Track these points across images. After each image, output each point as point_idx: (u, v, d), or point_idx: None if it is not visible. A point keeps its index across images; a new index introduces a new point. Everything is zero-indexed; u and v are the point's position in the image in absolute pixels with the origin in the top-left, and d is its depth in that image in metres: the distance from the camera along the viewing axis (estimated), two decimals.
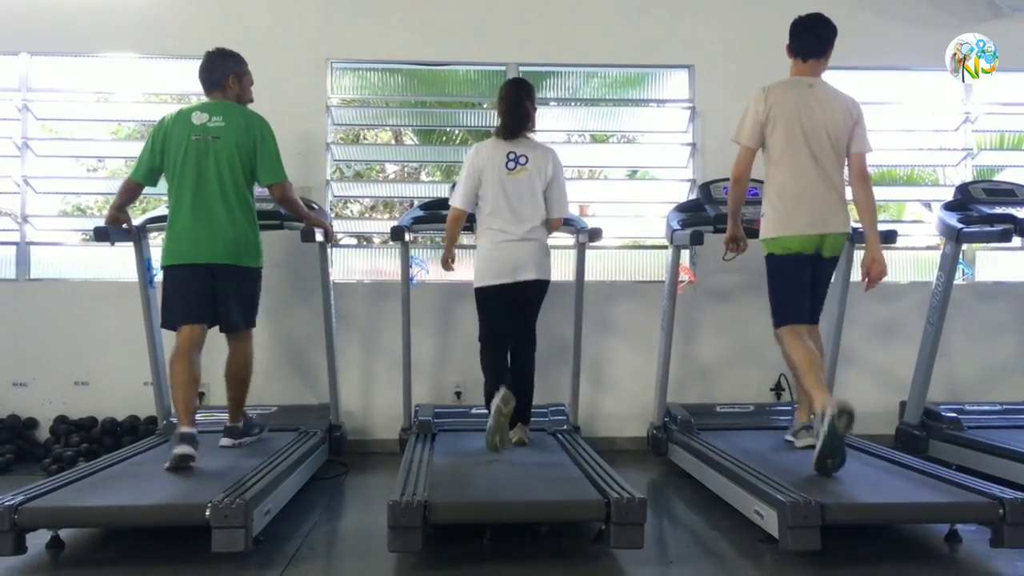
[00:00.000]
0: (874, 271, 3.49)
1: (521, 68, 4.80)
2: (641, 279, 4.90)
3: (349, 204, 7.05)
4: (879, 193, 4.88)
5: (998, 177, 5.00)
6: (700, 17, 4.86)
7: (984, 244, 4.80)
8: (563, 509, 2.89)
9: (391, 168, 6.86)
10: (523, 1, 4.84)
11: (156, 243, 4.24)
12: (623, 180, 5.68)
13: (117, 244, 3.91)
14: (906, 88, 5.00)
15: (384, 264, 4.87)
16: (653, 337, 4.42)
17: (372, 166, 6.51)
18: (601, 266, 4.88)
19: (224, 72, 3.61)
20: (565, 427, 4.18)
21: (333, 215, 4.80)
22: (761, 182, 3.64)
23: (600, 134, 6.13)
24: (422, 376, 4.59)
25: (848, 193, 3.53)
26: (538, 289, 3.75)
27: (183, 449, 3.24)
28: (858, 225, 3.60)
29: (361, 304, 4.73)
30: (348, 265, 4.89)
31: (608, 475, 3.08)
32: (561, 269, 4.48)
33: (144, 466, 3.38)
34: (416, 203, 4.68)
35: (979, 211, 4.22)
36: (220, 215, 3.47)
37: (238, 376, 3.68)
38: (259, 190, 3.69)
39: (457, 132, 6.07)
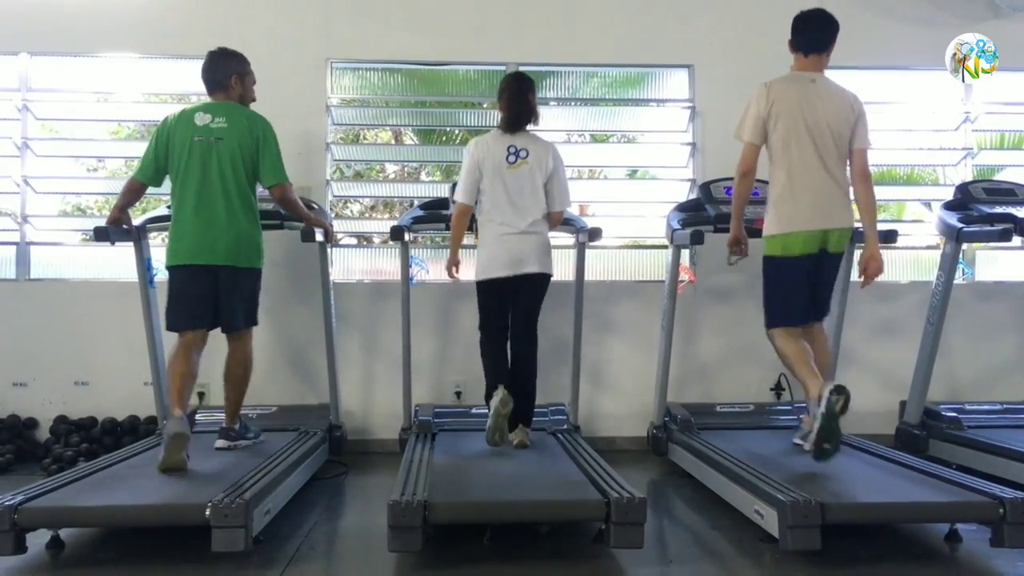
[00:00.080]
0: (872, 268, 3.50)
1: (521, 68, 4.79)
2: (641, 279, 4.90)
3: (349, 204, 7.06)
4: (879, 193, 4.88)
5: (998, 177, 5.01)
6: (700, 17, 4.86)
7: (984, 244, 4.80)
8: (563, 509, 2.89)
9: (391, 168, 6.86)
10: (523, 1, 4.84)
11: (156, 243, 4.25)
12: (623, 180, 5.68)
13: (117, 244, 3.91)
14: (906, 87, 5.00)
15: (384, 264, 4.87)
16: (653, 337, 4.42)
17: (372, 166, 6.51)
18: (601, 266, 4.88)
19: (227, 72, 3.61)
20: (565, 427, 4.18)
21: (333, 215, 4.80)
22: (765, 182, 3.64)
23: (600, 134, 6.13)
24: (422, 376, 4.59)
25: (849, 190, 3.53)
26: (539, 283, 3.74)
27: (176, 427, 3.21)
28: (857, 224, 3.59)
29: (361, 304, 4.73)
30: (348, 265, 4.90)
31: (608, 475, 3.08)
32: (561, 269, 4.47)
33: (144, 466, 3.37)
34: (416, 203, 4.68)
35: (979, 211, 4.22)
36: (223, 216, 3.48)
37: (237, 377, 3.67)
38: (260, 190, 3.69)
39: (457, 132, 6.06)
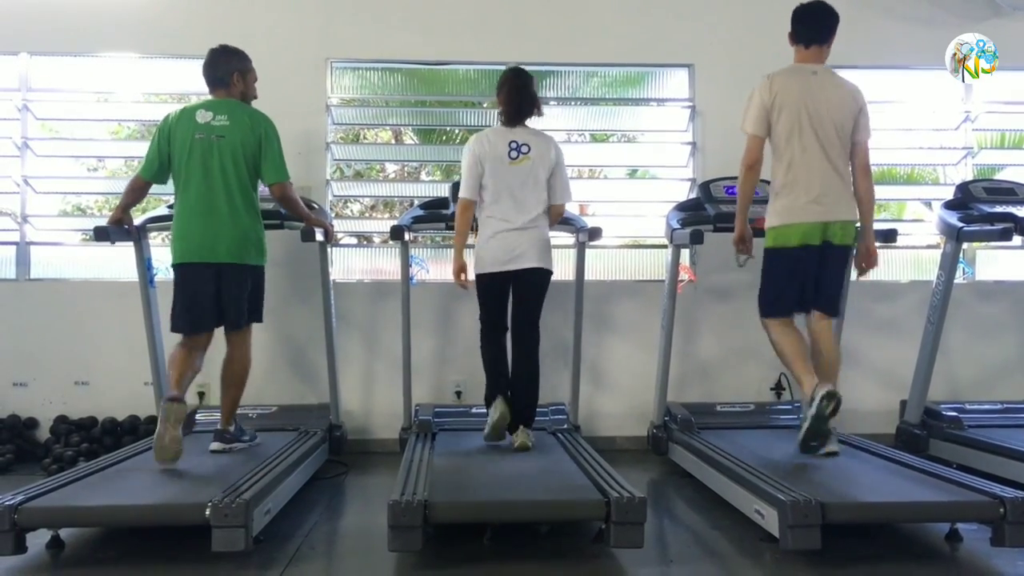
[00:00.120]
0: (868, 262, 3.53)
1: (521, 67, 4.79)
2: (641, 278, 4.90)
3: (349, 204, 7.06)
4: (880, 192, 4.88)
5: (998, 176, 5.01)
6: (700, 16, 4.86)
7: (984, 243, 4.80)
8: (563, 508, 2.89)
9: (391, 168, 6.86)
10: (523, 0, 4.84)
11: (156, 243, 4.26)
12: (623, 179, 5.68)
13: (117, 244, 3.92)
14: (906, 87, 5.00)
15: (384, 264, 4.87)
16: (653, 336, 4.42)
17: (372, 165, 6.51)
18: (601, 265, 4.88)
19: (228, 69, 3.60)
20: (565, 426, 4.18)
21: (333, 215, 4.80)
22: (766, 182, 3.64)
23: (600, 133, 6.13)
24: (422, 375, 4.59)
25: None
26: (539, 278, 3.70)
27: (171, 394, 3.30)
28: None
29: (361, 304, 4.73)
30: (348, 265, 4.90)
31: (608, 474, 3.07)
32: (561, 268, 4.47)
33: (144, 466, 3.37)
34: (416, 202, 4.68)
35: (979, 210, 4.22)
36: (225, 214, 3.48)
37: (235, 377, 3.66)
38: (261, 190, 3.69)
39: (457, 131, 6.06)
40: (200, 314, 3.51)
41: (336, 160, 4.95)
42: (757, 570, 2.85)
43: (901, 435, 4.33)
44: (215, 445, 3.61)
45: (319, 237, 3.96)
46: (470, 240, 3.84)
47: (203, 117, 3.52)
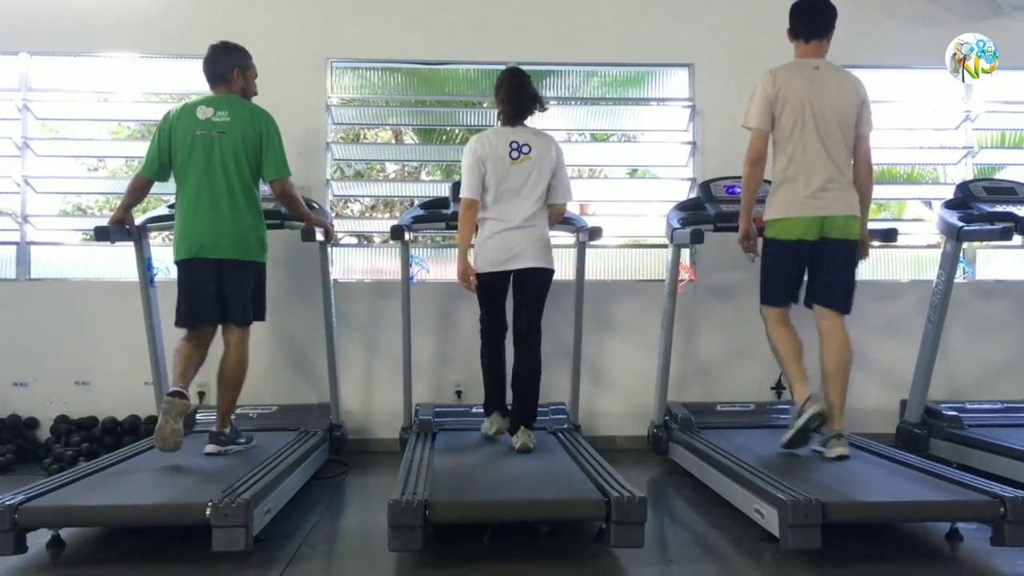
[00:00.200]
0: (859, 254, 3.54)
1: (521, 67, 4.78)
2: (641, 278, 4.90)
3: (349, 203, 7.06)
4: (880, 191, 4.90)
5: (999, 175, 5.00)
6: (700, 16, 4.85)
7: (985, 242, 4.79)
8: (563, 508, 2.89)
9: (391, 167, 6.86)
10: (523, 0, 4.84)
11: (156, 243, 4.26)
12: (623, 179, 5.67)
13: (117, 244, 3.91)
14: (906, 86, 4.99)
15: (384, 263, 4.87)
16: (653, 336, 4.42)
17: (372, 165, 6.51)
18: (601, 265, 4.87)
19: (229, 66, 3.60)
20: (565, 426, 4.17)
21: (333, 214, 4.80)
22: (767, 182, 3.63)
23: (600, 133, 6.13)
24: (422, 375, 4.59)
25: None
26: (539, 278, 3.67)
27: (174, 388, 3.37)
28: None
29: (361, 303, 4.73)
30: (348, 264, 4.90)
31: (608, 474, 3.07)
32: (561, 268, 4.47)
33: (145, 465, 3.38)
34: (416, 202, 4.67)
35: (980, 209, 4.22)
36: (226, 210, 3.48)
37: (232, 377, 3.61)
38: (263, 190, 3.69)
39: (457, 131, 6.06)
40: (203, 309, 3.53)
41: (336, 160, 4.95)
42: (757, 569, 2.85)
43: (901, 434, 4.33)
44: (210, 448, 3.56)
45: (319, 237, 3.96)
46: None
47: (204, 113, 3.52)
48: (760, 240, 3.68)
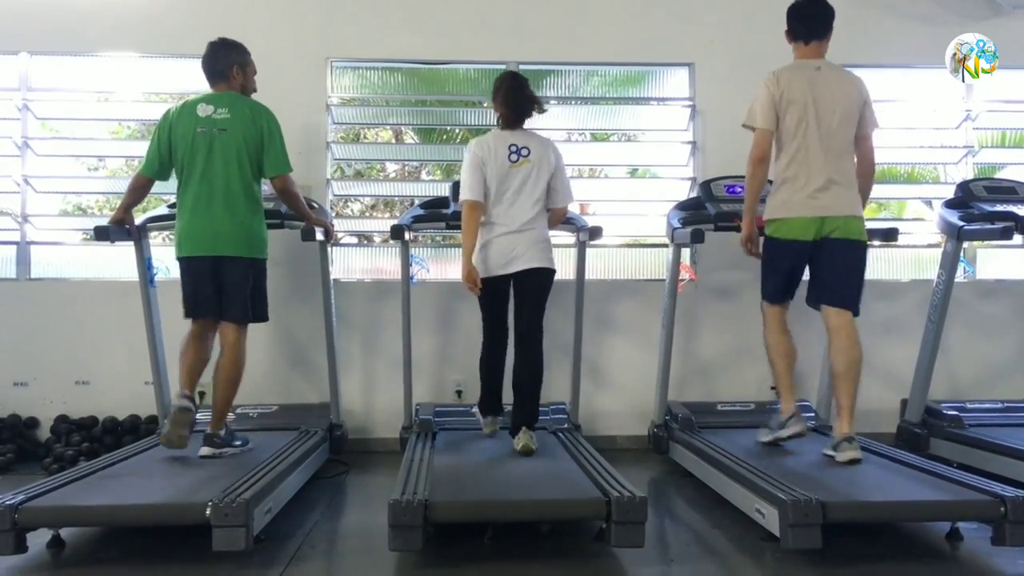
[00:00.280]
0: None
1: (521, 66, 4.79)
2: (642, 277, 4.90)
3: (349, 203, 7.06)
4: (880, 191, 4.90)
5: (999, 175, 5.00)
6: (700, 15, 4.85)
7: (985, 242, 4.79)
8: (564, 507, 2.89)
9: (391, 167, 6.87)
10: (523, 0, 4.83)
11: (156, 242, 4.26)
12: (623, 178, 5.68)
13: (117, 243, 3.91)
14: (907, 86, 5.00)
15: (384, 263, 4.87)
16: (654, 335, 4.42)
17: (372, 165, 6.52)
18: (602, 264, 4.87)
19: (228, 63, 3.60)
20: (566, 425, 4.17)
21: (334, 214, 4.80)
22: (771, 182, 3.63)
23: (600, 132, 6.13)
24: (423, 375, 4.59)
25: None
26: (540, 278, 3.66)
27: (181, 403, 3.45)
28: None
29: (362, 303, 4.73)
30: (349, 264, 4.89)
31: (609, 473, 3.07)
32: (562, 268, 4.47)
33: (145, 465, 3.39)
34: (416, 202, 4.67)
35: (980, 209, 4.22)
36: (225, 206, 3.48)
37: (228, 376, 3.57)
38: (264, 190, 3.69)
39: (457, 131, 6.07)
40: (204, 302, 3.55)
41: (336, 159, 4.95)
42: (758, 569, 2.85)
43: (902, 434, 4.33)
44: (204, 450, 3.49)
45: (319, 236, 3.96)
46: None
47: (204, 111, 3.52)
48: (761, 239, 3.68)
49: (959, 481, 3.03)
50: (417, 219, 4.23)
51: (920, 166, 5.76)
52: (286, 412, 4.37)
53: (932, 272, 4.39)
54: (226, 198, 3.48)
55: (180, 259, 3.58)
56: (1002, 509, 2.73)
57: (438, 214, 4.21)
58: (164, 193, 4.07)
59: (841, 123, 3.42)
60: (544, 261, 3.66)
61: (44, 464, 4.15)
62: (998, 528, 2.76)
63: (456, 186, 3.94)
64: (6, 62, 4.71)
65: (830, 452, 3.41)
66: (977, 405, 4.47)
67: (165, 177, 3.64)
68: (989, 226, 4.07)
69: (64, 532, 2.93)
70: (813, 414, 4.33)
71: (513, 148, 3.65)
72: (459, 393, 4.66)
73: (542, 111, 3.76)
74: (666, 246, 4.35)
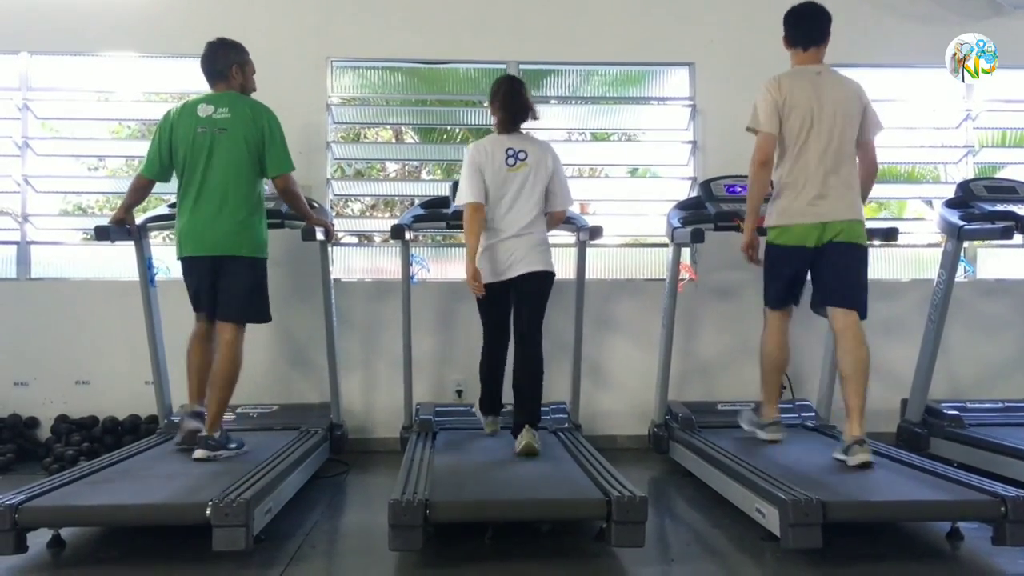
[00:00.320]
0: None
1: (521, 66, 4.80)
2: (642, 277, 4.90)
3: (350, 203, 7.06)
4: (880, 190, 4.89)
5: (999, 174, 5.00)
6: (700, 15, 4.85)
7: (986, 241, 4.79)
8: (564, 507, 2.89)
9: (392, 167, 6.87)
10: (523, 0, 4.83)
11: (156, 242, 4.26)
12: (624, 178, 5.68)
13: (117, 243, 3.91)
14: (907, 85, 5.00)
15: (385, 263, 4.87)
16: (654, 335, 4.42)
17: (373, 164, 6.52)
18: (602, 264, 4.87)
19: (227, 62, 3.60)
20: (566, 425, 4.17)
21: (334, 214, 4.80)
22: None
23: (601, 132, 6.13)
24: (423, 374, 4.59)
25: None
26: (539, 282, 3.65)
27: (191, 424, 3.53)
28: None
29: (362, 303, 4.73)
30: (349, 264, 4.89)
31: (609, 473, 3.07)
32: (562, 267, 4.47)
33: (145, 465, 3.39)
34: (417, 201, 4.68)
35: (980, 208, 4.21)
36: (224, 206, 3.48)
37: (224, 376, 3.50)
38: (265, 190, 3.69)
39: (458, 130, 6.07)
40: (206, 302, 3.57)
41: (337, 159, 4.95)
42: (758, 569, 2.85)
43: (902, 434, 4.33)
44: (199, 453, 3.41)
45: (320, 236, 3.96)
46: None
47: (205, 111, 3.52)
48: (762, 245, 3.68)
49: (959, 481, 3.03)
50: (417, 219, 4.23)
51: (920, 166, 5.76)
52: (286, 412, 4.37)
53: (932, 272, 4.39)
54: (226, 198, 3.48)
55: (181, 259, 3.58)
56: (1002, 509, 2.73)
57: (438, 214, 4.21)
58: (164, 193, 4.07)
59: (843, 128, 3.42)
60: (543, 264, 3.65)
61: (44, 464, 4.15)
62: (998, 528, 2.76)
63: (456, 185, 3.93)
64: (6, 62, 4.71)
65: (841, 456, 3.34)
66: (977, 405, 4.47)
67: (166, 178, 3.64)
68: (989, 226, 4.07)
69: (64, 532, 2.93)
70: (813, 414, 4.34)
71: (510, 152, 3.64)
72: (459, 393, 4.66)
73: (535, 118, 3.76)
74: (666, 246, 4.35)
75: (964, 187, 4.40)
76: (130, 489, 3.00)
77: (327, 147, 4.78)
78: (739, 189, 4.14)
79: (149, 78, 4.83)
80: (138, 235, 3.93)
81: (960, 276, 4.54)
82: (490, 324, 3.76)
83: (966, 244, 4.52)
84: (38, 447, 4.48)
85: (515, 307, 3.71)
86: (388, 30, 4.77)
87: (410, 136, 7.22)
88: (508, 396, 3.78)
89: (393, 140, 7.60)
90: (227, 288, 3.52)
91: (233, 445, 3.56)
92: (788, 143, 3.45)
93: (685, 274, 4.56)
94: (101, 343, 4.61)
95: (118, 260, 4.56)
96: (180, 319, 3.81)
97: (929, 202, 5.34)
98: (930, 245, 4.97)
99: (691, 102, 4.89)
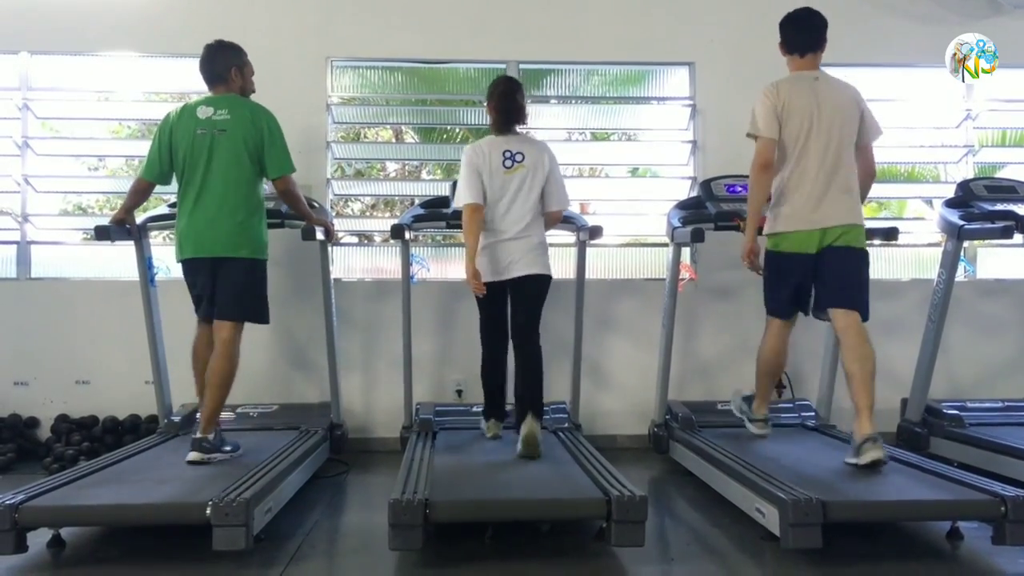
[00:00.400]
0: None
1: (521, 66, 4.80)
2: (642, 277, 4.90)
3: (350, 202, 7.06)
4: (880, 190, 4.89)
5: (999, 174, 5.00)
6: (700, 14, 4.86)
7: (985, 241, 4.79)
8: (564, 507, 2.89)
9: (392, 166, 6.87)
10: (523, 0, 4.83)
11: (156, 242, 4.26)
12: (624, 178, 5.68)
13: (117, 243, 3.91)
14: (907, 85, 5.00)
15: (385, 262, 4.87)
16: (654, 335, 4.42)
17: (373, 164, 6.52)
18: (602, 264, 4.87)
19: (226, 65, 3.59)
20: (566, 425, 4.17)
21: (334, 213, 4.80)
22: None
23: (601, 132, 6.12)
24: (423, 374, 4.59)
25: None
26: (535, 285, 3.66)
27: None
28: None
29: (362, 302, 4.73)
30: (349, 263, 4.89)
31: (609, 473, 3.07)
32: (562, 267, 4.47)
33: (145, 465, 3.39)
34: (417, 201, 4.68)
35: (980, 208, 4.21)
36: (225, 208, 3.47)
37: (220, 376, 3.45)
38: (265, 190, 3.69)
39: (458, 130, 6.07)
40: (207, 304, 3.56)
41: (337, 159, 4.95)
42: (758, 569, 2.85)
43: (902, 433, 4.33)
44: (192, 455, 3.36)
45: (320, 236, 3.96)
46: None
47: (204, 113, 3.52)
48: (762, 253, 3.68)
49: (959, 480, 3.03)
50: (417, 218, 4.23)
51: (920, 165, 5.76)
52: (286, 411, 4.37)
53: (932, 271, 4.39)
54: (226, 199, 3.48)
55: (181, 262, 3.57)
56: (1002, 508, 2.73)
57: (438, 213, 4.21)
58: (165, 192, 4.07)
59: (842, 133, 3.41)
60: (540, 267, 3.66)
61: (44, 464, 4.15)
62: (998, 527, 2.76)
63: (456, 186, 3.93)
64: (6, 62, 4.71)
65: (852, 460, 3.26)
66: (977, 404, 4.46)
67: (166, 181, 3.63)
68: (989, 225, 4.07)
69: (64, 532, 2.93)
70: (813, 413, 4.34)
71: (507, 154, 3.65)
72: (459, 393, 4.66)
73: (523, 122, 3.76)
74: (666, 245, 4.35)
75: (964, 187, 4.40)
76: (130, 489, 3.00)
77: (327, 147, 4.78)
78: (739, 189, 4.14)
79: (149, 78, 4.83)
80: (138, 235, 3.93)
81: (960, 276, 4.55)
82: (488, 321, 3.76)
83: (966, 244, 4.52)
84: (38, 447, 4.48)
85: (512, 309, 3.72)
86: (388, 30, 4.77)
87: (410, 136, 7.22)
88: (508, 397, 3.78)
89: (393, 140, 7.59)
90: (225, 287, 3.51)
91: (228, 448, 3.51)
92: (787, 149, 3.45)
93: (685, 274, 4.57)
94: (101, 343, 4.61)
95: (118, 260, 4.56)
96: (180, 319, 3.81)
97: (929, 202, 5.34)
98: (930, 245, 4.97)
99: (691, 102, 4.89)
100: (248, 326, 3.58)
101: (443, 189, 4.67)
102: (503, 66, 4.79)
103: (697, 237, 3.94)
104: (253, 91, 3.72)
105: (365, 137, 7.19)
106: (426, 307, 4.64)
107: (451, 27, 4.79)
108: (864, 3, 4.82)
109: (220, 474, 3.14)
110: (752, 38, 4.69)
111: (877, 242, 4.14)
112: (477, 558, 2.83)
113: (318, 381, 4.55)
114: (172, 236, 3.73)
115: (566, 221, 4.02)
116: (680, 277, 4.32)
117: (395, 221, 4.19)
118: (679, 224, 4.12)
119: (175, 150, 3.53)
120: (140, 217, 4.04)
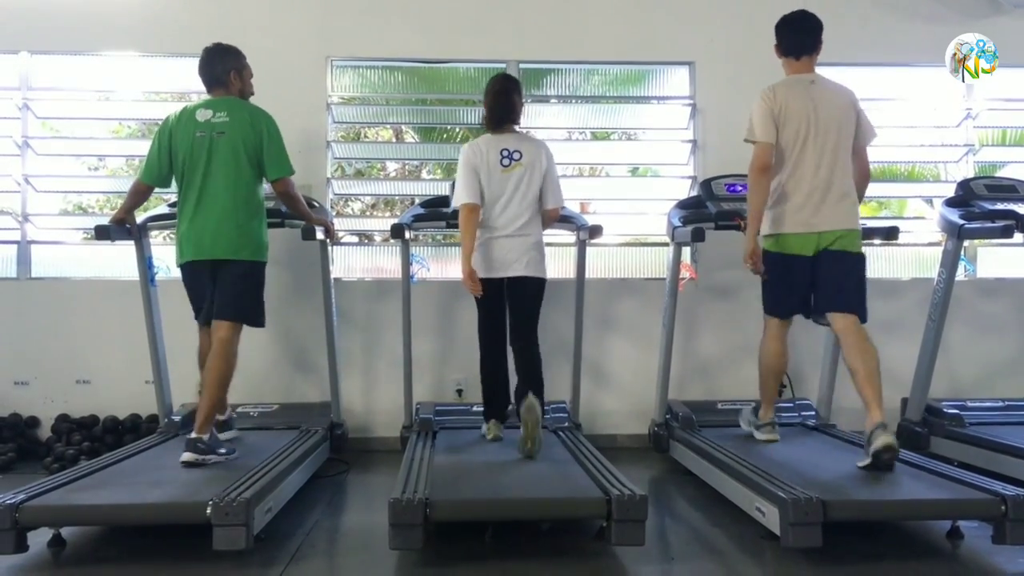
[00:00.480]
0: None
1: (521, 65, 4.80)
2: (642, 276, 4.90)
3: (350, 202, 7.05)
4: (881, 189, 4.89)
5: (1000, 173, 5.00)
6: (701, 14, 4.85)
7: (986, 240, 4.79)
8: (564, 506, 2.89)
9: (392, 166, 6.86)
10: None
11: (157, 241, 4.26)
12: (624, 177, 5.67)
13: (118, 242, 3.92)
14: (908, 84, 4.99)
15: (385, 262, 4.87)
16: (654, 334, 4.42)
17: (373, 164, 6.51)
18: (602, 263, 4.87)
19: (225, 68, 3.60)
20: (566, 424, 4.17)
21: (334, 213, 4.80)
22: None
23: (601, 131, 6.11)
24: (423, 374, 4.59)
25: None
26: (531, 288, 3.68)
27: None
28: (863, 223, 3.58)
29: (362, 302, 4.73)
30: (349, 263, 4.89)
31: (609, 472, 3.07)
32: (562, 266, 4.48)
33: (146, 464, 3.39)
34: (417, 201, 4.68)
35: (981, 207, 4.21)
36: (224, 210, 3.47)
37: (217, 375, 3.43)
38: (265, 190, 3.69)
39: (458, 130, 6.06)
40: (207, 309, 3.55)
41: (337, 158, 4.95)
42: (758, 568, 2.85)
43: (902, 433, 4.32)
44: (187, 456, 3.30)
45: (320, 235, 3.96)
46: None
47: (203, 116, 3.52)
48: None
49: (960, 480, 3.03)
50: (417, 218, 4.23)
51: (921, 164, 5.75)
52: (286, 411, 4.37)
53: (933, 271, 4.39)
54: (225, 201, 3.48)
55: (181, 265, 3.56)
56: (1003, 508, 2.73)
57: (438, 213, 4.21)
58: (165, 192, 4.07)
59: (839, 136, 3.42)
60: (536, 270, 3.68)
61: (45, 463, 4.15)
62: (999, 527, 2.76)
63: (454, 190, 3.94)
64: (6, 61, 4.71)
65: (865, 462, 3.17)
66: (978, 404, 4.47)
67: (165, 184, 3.63)
68: (990, 224, 4.07)
69: (65, 531, 2.93)
70: (813, 413, 4.34)
71: (505, 152, 3.66)
72: (460, 392, 4.66)
73: (516, 122, 3.77)
74: (666, 245, 4.36)
75: (964, 186, 4.40)
76: (131, 489, 3.00)
77: (327, 146, 4.78)
78: (739, 188, 4.14)
79: (149, 78, 4.83)
80: (138, 234, 3.93)
81: (960, 275, 4.54)
82: (487, 318, 3.76)
83: (966, 243, 4.50)
84: (39, 446, 4.48)
85: (510, 312, 3.73)
86: (388, 30, 4.77)
87: (410, 135, 7.22)
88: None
89: (393, 139, 7.59)
90: (224, 287, 3.51)
91: (222, 450, 3.45)
92: (785, 152, 3.45)
93: (685, 273, 4.57)
94: (101, 343, 4.61)
95: (118, 260, 4.56)
96: (180, 319, 3.81)
97: (929, 201, 5.33)
98: (930, 244, 4.97)
99: (691, 101, 4.88)
100: (247, 327, 3.58)
101: (443, 189, 4.67)
102: (503, 66, 4.79)
103: (698, 236, 3.94)
104: (252, 93, 3.72)
105: (365, 137, 7.19)
106: (426, 307, 4.64)
107: (451, 27, 4.79)
108: (864, 3, 4.81)
109: (220, 474, 3.14)
110: (752, 38, 4.65)
111: (877, 241, 4.14)
112: (477, 558, 2.83)
113: (318, 380, 4.55)
114: (172, 236, 3.73)
115: (566, 220, 4.02)
116: (680, 276, 4.32)
117: (395, 221, 4.19)
118: (679, 223, 4.12)
119: (174, 153, 3.54)
120: (140, 217, 4.04)
